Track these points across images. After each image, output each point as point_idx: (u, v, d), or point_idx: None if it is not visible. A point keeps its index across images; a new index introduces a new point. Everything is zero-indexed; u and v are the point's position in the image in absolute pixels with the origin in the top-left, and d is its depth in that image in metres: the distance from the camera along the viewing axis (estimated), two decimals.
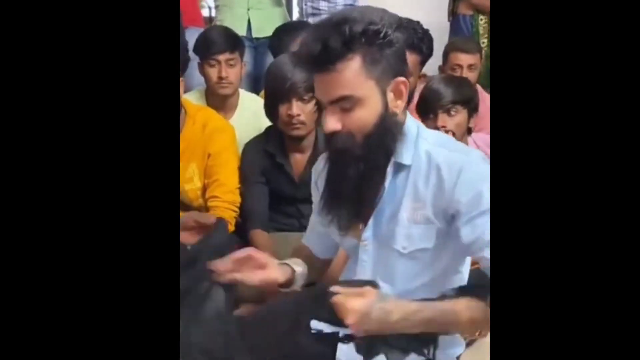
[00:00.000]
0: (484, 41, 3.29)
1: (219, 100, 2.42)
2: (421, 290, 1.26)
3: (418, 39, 2.45)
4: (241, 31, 2.87)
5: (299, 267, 1.35)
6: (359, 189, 1.22)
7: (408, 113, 1.29)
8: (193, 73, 2.48)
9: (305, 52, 1.17)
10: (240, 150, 2.18)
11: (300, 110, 1.94)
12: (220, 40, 2.36)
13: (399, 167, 1.25)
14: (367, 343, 1.16)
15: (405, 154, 1.23)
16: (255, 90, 2.74)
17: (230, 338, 1.17)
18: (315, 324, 1.31)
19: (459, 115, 2.01)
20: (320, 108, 1.95)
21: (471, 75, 2.68)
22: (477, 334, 1.62)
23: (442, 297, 1.16)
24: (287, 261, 1.35)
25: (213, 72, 2.36)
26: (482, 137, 2.20)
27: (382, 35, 1.15)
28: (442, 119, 1.98)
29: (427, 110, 2.02)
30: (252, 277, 1.25)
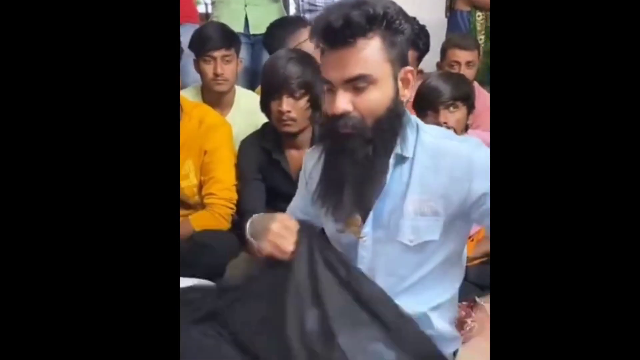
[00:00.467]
0: (481, 37, 3.29)
1: (215, 97, 2.41)
2: (420, 283, 1.27)
3: (415, 34, 2.45)
4: (238, 27, 2.86)
5: None
6: (362, 176, 1.21)
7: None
8: (188, 70, 2.47)
9: (325, 25, 1.14)
10: (236, 147, 2.17)
11: (290, 106, 1.92)
12: (216, 37, 2.35)
13: (400, 160, 1.25)
14: None
15: (407, 146, 1.24)
16: (252, 87, 2.73)
17: None
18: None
19: (459, 112, 2.02)
20: (313, 105, 1.95)
21: (469, 72, 2.68)
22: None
23: None
24: None
25: (209, 69, 2.35)
26: (479, 134, 2.20)
27: (397, 21, 1.17)
28: (444, 115, 1.98)
29: (426, 106, 2.02)
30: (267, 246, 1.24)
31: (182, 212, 2.10)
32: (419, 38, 2.51)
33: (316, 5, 3.04)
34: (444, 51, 2.82)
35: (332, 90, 1.19)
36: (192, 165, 2.11)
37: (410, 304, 1.25)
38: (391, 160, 1.23)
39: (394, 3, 1.20)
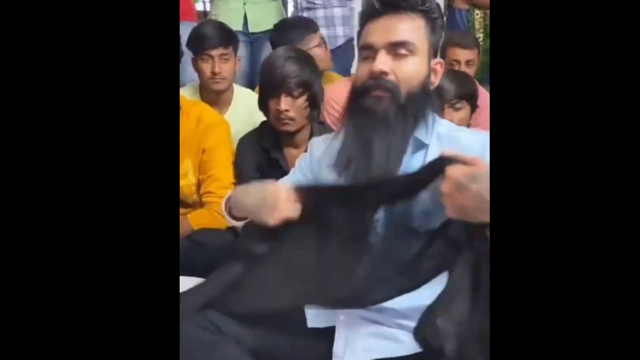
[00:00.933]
0: (480, 36, 3.29)
1: (213, 96, 2.41)
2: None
3: None
4: (237, 25, 2.85)
5: None
6: (391, 139, 1.22)
7: None
8: (186, 68, 2.47)
9: None
10: (234, 145, 2.17)
11: (288, 105, 1.91)
12: (214, 35, 2.34)
13: (418, 145, 1.26)
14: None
15: (425, 133, 1.26)
16: (251, 86, 2.72)
17: None
18: (312, 321, 1.31)
19: (463, 111, 2.02)
20: (312, 104, 1.94)
21: (469, 71, 2.67)
22: None
23: None
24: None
25: (206, 68, 2.35)
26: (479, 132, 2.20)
27: (437, 15, 1.26)
28: (448, 113, 1.99)
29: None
30: (269, 219, 1.21)
31: (180, 210, 2.10)
32: None
33: (314, 3, 3.03)
34: (443, 50, 2.81)
35: (369, 57, 1.24)
36: (190, 164, 2.11)
37: (413, 296, 1.23)
38: (411, 142, 1.25)
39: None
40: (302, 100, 1.92)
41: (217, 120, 2.16)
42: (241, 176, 2.10)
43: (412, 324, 1.22)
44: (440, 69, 1.29)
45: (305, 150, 2.02)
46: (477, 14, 3.35)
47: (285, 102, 1.91)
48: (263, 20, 2.94)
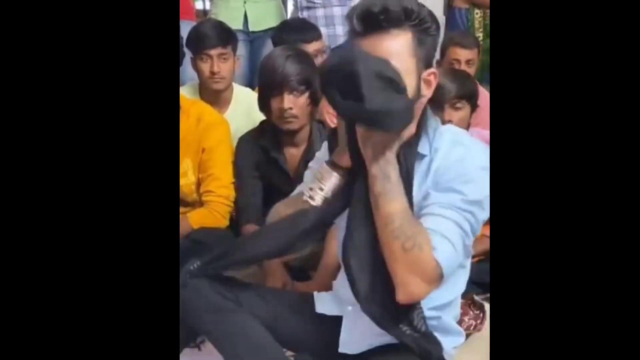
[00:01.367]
0: (479, 35, 3.29)
1: (213, 95, 2.40)
2: None
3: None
4: (237, 24, 2.84)
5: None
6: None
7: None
8: (185, 67, 2.46)
9: (363, 9, 1.17)
10: (234, 144, 2.17)
11: (292, 103, 1.91)
12: (212, 35, 2.33)
13: (418, 156, 1.25)
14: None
15: (424, 144, 1.25)
16: (251, 85, 2.72)
17: None
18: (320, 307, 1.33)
19: (463, 111, 2.02)
20: (313, 101, 1.94)
21: (469, 71, 2.66)
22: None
23: None
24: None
25: (205, 67, 2.34)
26: (479, 132, 2.20)
27: (428, 23, 1.20)
28: (449, 113, 1.98)
29: (430, 103, 2.01)
30: None
31: (180, 209, 2.10)
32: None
33: (314, 3, 3.03)
34: (443, 49, 2.81)
35: None
36: (190, 163, 2.11)
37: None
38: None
39: (424, 6, 1.23)
40: (304, 98, 1.93)
41: (216, 120, 2.16)
42: (240, 175, 2.10)
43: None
44: (433, 79, 1.24)
45: (305, 150, 2.04)
46: (477, 14, 3.35)
47: (288, 100, 1.91)
48: (263, 19, 2.93)
